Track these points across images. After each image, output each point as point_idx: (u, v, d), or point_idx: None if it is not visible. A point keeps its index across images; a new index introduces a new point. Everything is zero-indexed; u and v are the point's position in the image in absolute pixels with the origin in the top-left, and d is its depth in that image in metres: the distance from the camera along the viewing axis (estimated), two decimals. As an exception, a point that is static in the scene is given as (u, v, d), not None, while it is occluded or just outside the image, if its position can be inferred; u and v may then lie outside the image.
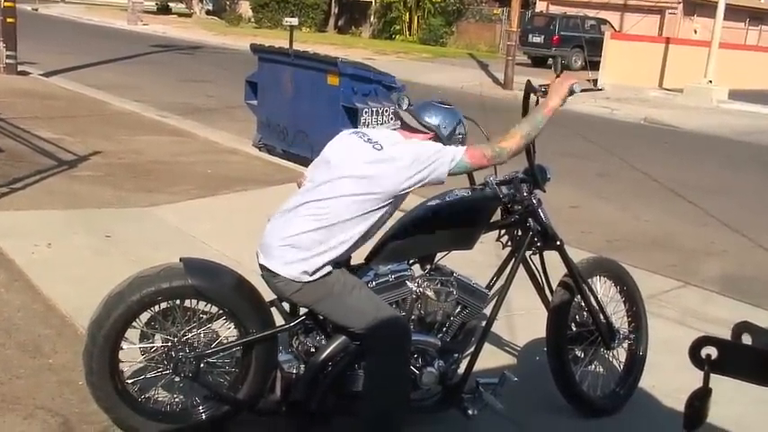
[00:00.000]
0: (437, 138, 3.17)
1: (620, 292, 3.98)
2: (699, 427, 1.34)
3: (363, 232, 3.08)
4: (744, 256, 7.09)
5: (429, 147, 3.08)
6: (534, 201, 3.55)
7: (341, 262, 3.16)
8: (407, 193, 3.10)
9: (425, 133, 3.18)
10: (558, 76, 3.32)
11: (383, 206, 3.06)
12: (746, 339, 1.34)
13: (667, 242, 7.34)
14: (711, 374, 1.32)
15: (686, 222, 8.10)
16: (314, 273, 3.02)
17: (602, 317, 3.77)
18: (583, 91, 3.27)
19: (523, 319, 4.65)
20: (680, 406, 1.38)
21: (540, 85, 3.30)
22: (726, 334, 1.40)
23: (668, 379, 4.03)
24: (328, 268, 3.05)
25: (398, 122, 3.28)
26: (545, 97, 3.24)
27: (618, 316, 3.94)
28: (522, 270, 3.59)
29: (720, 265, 6.76)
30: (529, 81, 3.38)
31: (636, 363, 3.95)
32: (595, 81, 21.26)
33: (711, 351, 1.29)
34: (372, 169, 3.02)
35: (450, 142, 3.17)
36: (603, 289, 3.93)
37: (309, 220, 3.03)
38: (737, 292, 5.85)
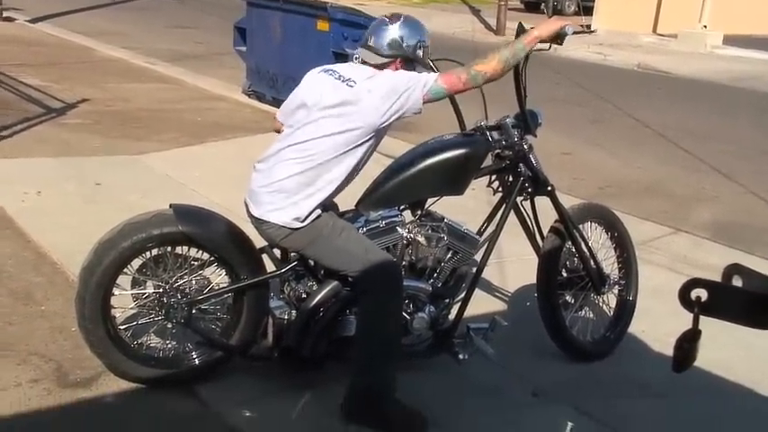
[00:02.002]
0: (406, 60, 3.13)
1: (610, 238, 3.99)
2: (687, 369, 1.35)
3: (349, 170, 3.07)
4: (735, 202, 7.10)
5: (402, 75, 3.05)
6: (525, 146, 3.53)
7: (329, 206, 3.15)
8: (388, 125, 3.07)
9: (393, 61, 3.12)
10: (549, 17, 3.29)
11: (365, 141, 3.04)
12: (737, 282, 1.33)
13: (659, 188, 7.34)
14: (701, 317, 1.31)
15: (678, 169, 8.10)
16: (305, 219, 3.02)
17: (592, 263, 3.78)
18: (575, 33, 3.24)
19: (514, 265, 4.67)
20: (669, 350, 1.38)
21: (532, 28, 3.26)
22: (717, 280, 1.39)
23: (658, 324, 4.07)
24: (318, 212, 3.05)
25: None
26: None
27: (608, 262, 3.96)
28: (512, 216, 3.58)
29: (712, 211, 6.78)
30: (521, 23, 3.34)
31: (626, 308, 3.98)
32: (589, 26, 21.05)
33: (701, 293, 1.28)
34: (350, 106, 2.99)
35: (417, 54, 3.13)
36: (594, 235, 3.94)
37: (293, 164, 3.02)
38: (729, 239, 5.87)
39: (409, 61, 3.14)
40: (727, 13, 20.91)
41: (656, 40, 20.77)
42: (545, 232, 3.72)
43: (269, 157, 3.13)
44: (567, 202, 3.92)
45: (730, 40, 19.68)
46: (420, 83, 3.00)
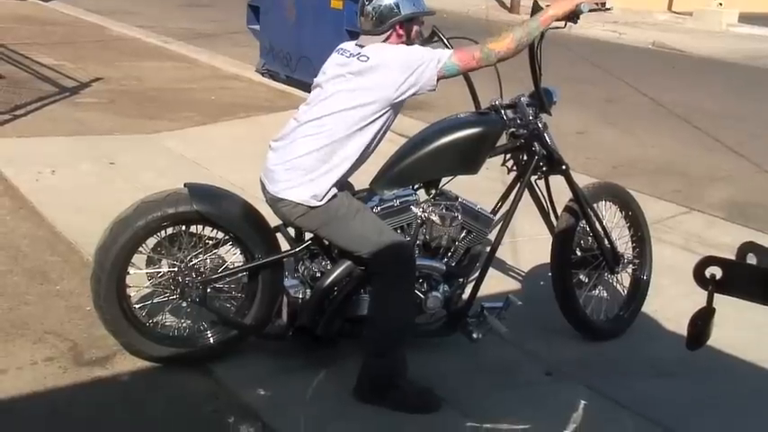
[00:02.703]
0: (404, 21, 3.09)
1: (625, 218, 3.98)
2: (701, 347, 1.35)
3: (363, 147, 3.07)
4: (749, 181, 7.06)
5: (416, 50, 3.05)
6: (540, 125, 3.52)
7: (344, 185, 3.15)
8: (402, 101, 3.07)
9: (393, 31, 3.09)
10: None
11: (379, 116, 3.03)
12: (751, 260, 1.33)
13: (673, 168, 7.30)
14: (715, 295, 1.31)
15: (692, 148, 8.05)
16: (322, 197, 3.03)
17: (606, 242, 3.77)
18: (590, 11, 3.21)
19: (528, 244, 4.66)
20: (682, 329, 1.39)
21: (547, 5, 3.24)
22: (731, 258, 1.39)
23: (671, 303, 4.07)
24: (334, 191, 3.05)
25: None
26: None
27: (622, 241, 3.95)
28: (526, 196, 3.58)
29: (726, 190, 6.74)
30: (536, 1, 3.32)
31: (639, 287, 3.97)
32: (604, 3, 20.86)
33: (716, 271, 1.28)
34: (363, 80, 3.00)
35: (413, 11, 3.09)
36: (609, 214, 3.93)
37: (310, 140, 3.03)
38: (742, 218, 5.84)
39: (408, 21, 3.11)
40: (743, -9, 20.69)
41: (671, 18, 20.60)
42: (559, 211, 3.72)
43: (285, 135, 3.14)
44: (581, 181, 3.91)
45: (746, 18, 19.49)
46: (434, 59, 2.99)
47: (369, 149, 3.11)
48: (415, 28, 3.16)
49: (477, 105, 3.66)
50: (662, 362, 3.67)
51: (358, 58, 3.04)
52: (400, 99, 3.04)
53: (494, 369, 3.52)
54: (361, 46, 3.11)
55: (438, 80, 3.03)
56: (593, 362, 3.66)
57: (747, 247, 1.33)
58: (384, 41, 3.11)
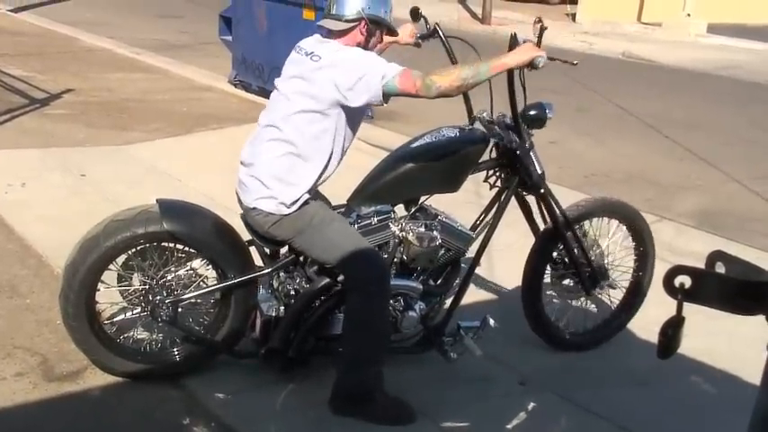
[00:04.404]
0: (371, 22, 3.04)
1: (630, 235, 3.90)
2: (671, 355, 1.36)
3: (326, 154, 3.02)
4: (719, 190, 7.14)
5: (368, 57, 2.96)
6: (527, 144, 3.46)
7: (319, 196, 3.13)
8: (357, 110, 3.01)
9: (357, 25, 3.04)
10: (538, 44, 3.16)
11: (329, 118, 2.96)
12: (720, 268, 1.34)
13: (643, 176, 7.36)
14: (685, 304, 1.32)
15: (662, 157, 8.13)
16: (292, 204, 3.00)
17: (585, 264, 3.69)
18: (551, 60, 3.13)
19: (505, 254, 4.66)
20: (654, 338, 1.39)
21: (525, 41, 3.16)
22: (700, 267, 1.40)
23: (643, 312, 4.08)
24: (306, 197, 3.02)
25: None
26: None
27: (625, 254, 3.91)
28: (507, 210, 3.54)
29: (696, 199, 6.81)
30: (513, 35, 3.25)
31: (635, 301, 3.94)
32: (574, 15, 21.05)
33: (685, 280, 1.29)
34: (313, 80, 2.94)
35: (382, 17, 3.07)
36: (617, 232, 3.85)
37: (271, 146, 3.01)
38: (712, 226, 5.90)
39: (374, 23, 3.07)
40: (710, 2, 20.97)
41: (641, 29, 20.79)
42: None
43: (250, 143, 3.14)
44: (554, 191, 3.90)
45: (714, 29, 19.73)
46: (380, 73, 2.87)
47: (332, 156, 3.05)
48: (375, 38, 3.12)
49: (470, 112, 3.56)
50: (635, 371, 3.69)
51: (311, 58, 3.00)
52: (347, 104, 2.94)
53: (468, 379, 3.52)
54: (322, 41, 3.07)
55: (385, 96, 2.90)
56: (567, 372, 3.67)
57: (716, 256, 1.34)
58: (344, 35, 3.06)
